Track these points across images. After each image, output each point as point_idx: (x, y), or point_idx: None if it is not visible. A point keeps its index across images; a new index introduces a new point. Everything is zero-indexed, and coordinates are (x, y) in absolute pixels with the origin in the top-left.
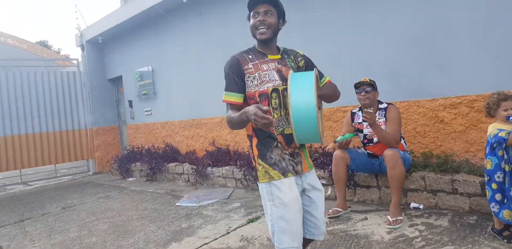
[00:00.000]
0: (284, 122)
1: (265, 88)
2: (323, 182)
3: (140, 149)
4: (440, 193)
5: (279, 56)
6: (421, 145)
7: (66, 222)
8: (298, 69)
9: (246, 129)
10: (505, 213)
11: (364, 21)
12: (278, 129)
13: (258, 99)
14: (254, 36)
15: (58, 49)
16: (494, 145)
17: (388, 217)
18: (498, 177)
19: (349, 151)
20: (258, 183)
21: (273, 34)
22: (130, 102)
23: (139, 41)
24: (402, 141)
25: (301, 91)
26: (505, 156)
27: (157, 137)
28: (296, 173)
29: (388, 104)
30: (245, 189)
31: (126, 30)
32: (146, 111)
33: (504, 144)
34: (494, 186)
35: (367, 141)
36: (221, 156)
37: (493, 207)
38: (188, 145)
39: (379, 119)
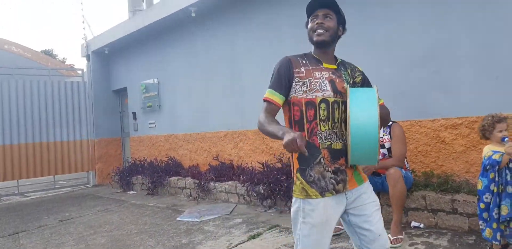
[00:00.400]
0: (332, 136)
1: (313, 97)
2: None
3: (142, 162)
4: (440, 212)
5: (335, 66)
6: (423, 164)
7: (62, 235)
8: (353, 84)
9: None
10: (487, 231)
11: (369, 40)
12: (325, 142)
13: (304, 107)
14: (311, 40)
15: (63, 58)
16: (488, 167)
17: (389, 235)
18: (486, 198)
19: None
20: (294, 197)
21: (331, 39)
22: (134, 114)
23: (145, 53)
24: (404, 160)
25: (363, 108)
26: (496, 178)
27: (160, 150)
28: (337, 192)
29: (393, 122)
30: (248, 205)
31: (133, 42)
32: (150, 123)
33: (497, 167)
34: (482, 205)
35: None
36: (225, 171)
37: (480, 224)
38: (192, 159)
39: (383, 136)
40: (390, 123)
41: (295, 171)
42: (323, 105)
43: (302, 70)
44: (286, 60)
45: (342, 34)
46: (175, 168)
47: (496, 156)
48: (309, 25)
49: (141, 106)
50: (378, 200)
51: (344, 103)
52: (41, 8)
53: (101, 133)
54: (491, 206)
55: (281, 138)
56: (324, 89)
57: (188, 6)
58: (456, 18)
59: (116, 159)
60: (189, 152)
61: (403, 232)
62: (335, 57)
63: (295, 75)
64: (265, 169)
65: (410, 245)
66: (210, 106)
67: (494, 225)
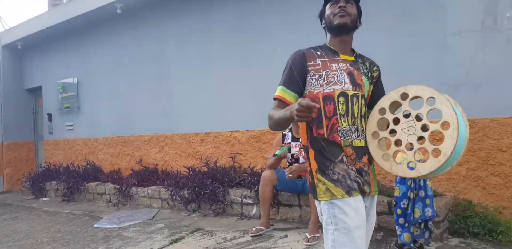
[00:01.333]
0: (353, 133)
1: (332, 90)
2: (249, 201)
3: (57, 167)
4: None
5: (352, 58)
6: None
7: None
8: (371, 79)
9: (301, 139)
10: (405, 236)
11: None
12: (347, 139)
13: (321, 103)
14: (330, 24)
15: None
16: None
17: (307, 234)
18: (404, 204)
19: (277, 172)
20: (317, 201)
21: (353, 25)
22: (50, 115)
23: (64, 50)
24: None
25: (465, 124)
26: (412, 185)
27: (77, 154)
28: (363, 193)
29: None
30: (171, 210)
31: (51, 37)
32: (67, 126)
33: None
34: (399, 211)
35: (294, 160)
36: (148, 176)
37: (397, 230)
38: (113, 163)
39: None
40: None
41: (314, 173)
42: (341, 99)
43: (318, 62)
44: (299, 53)
45: (358, 27)
46: (94, 173)
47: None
48: (328, 10)
49: (58, 107)
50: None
51: (364, 96)
52: None
53: (11, 136)
54: (408, 211)
55: (291, 117)
56: (342, 82)
57: (113, 2)
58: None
59: (28, 163)
60: (110, 157)
61: (320, 231)
62: (353, 49)
63: (310, 68)
64: (191, 173)
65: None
66: (135, 108)
67: (412, 229)
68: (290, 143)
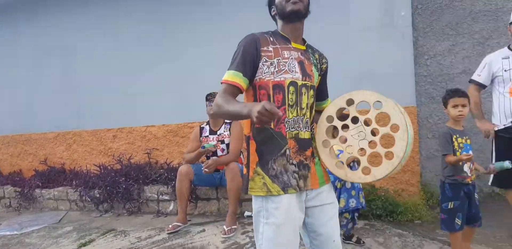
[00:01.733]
0: (299, 124)
1: (282, 79)
2: (166, 197)
3: None
4: None
5: (304, 47)
6: None
7: None
8: (320, 71)
9: (244, 128)
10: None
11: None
12: (292, 131)
13: (271, 91)
14: (283, 11)
15: None
16: None
17: (224, 226)
18: None
19: (194, 166)
20: (252, 195)
21: (306, 12)
22: None
23: None
24: (241, 156)
25: (410, 125)
26: None
27: None
28: (300, 189)
29: None
30: (81, 211)
31: None
32: None
33: None
34: None
35: (211, 154)
36: (54, 176)
37: None
38: (13, 164)
39: (224, 132)
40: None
41: (254, 166)
42: (291, 89)
43: (270, 48)
44: (253, 37)
45: (308, 15)
46: None
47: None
48: None
49: None
50: (336, 201)
51: (313, 87)
52: None
53: None
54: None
55: (247, 115)
56: (293, 71)
57: None
58: None
59: None
60: (10, 157)
61: (237, 222)
62: (303, 39)
63: (263, 54)
64: (102, 171)
65: (242, 233)
66: (36, 103)
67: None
68: (208, 136)
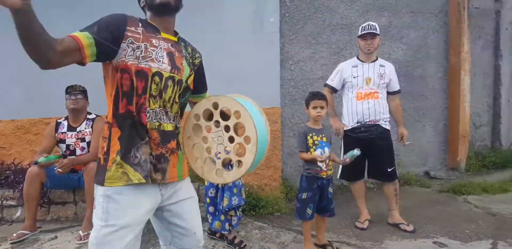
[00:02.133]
0: (162, 116)
1: (147, 66)
2: (13, 203)
3: None
4: None
5: (175, 39)
6: None
7: None
8: (192, 65)
9: (107, 114)
10: (216, 224)
11: None
12: (154, 122)
13: (134, 77)
14: (152, 2)
15: None
16: None
17: (80, 232)
18: (211, 192)
19: (48, 168)
20: (102, 186)
21: (178, 4)
22: None
23: None
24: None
25: (260, 122)
26: None
27: None
28: (153, 181)
29: (97, 115)
30: None
31: None
32: None
33: None
34: (208, 200)
35: (69, 152)
36: None
37: (208, 217)
38: None
39: (85, 129)
40: (94, 116)
41: (114, 155)
42: (156, 79)
43: (139, 30)
44: (120, 14)
45: (180, 8)
46: None
47: None
48: None
49: None
50: (196, 195)
51: (180, 81)
52: None
53: None
54: (218, 200)
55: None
56: (160, 61)
57: None
58: None
59: None
60: None
61: None
62: (175, 31)
63: (129, 33)
64: None
65: None
66: None
67: (222, 217)
68: (65, 132)
